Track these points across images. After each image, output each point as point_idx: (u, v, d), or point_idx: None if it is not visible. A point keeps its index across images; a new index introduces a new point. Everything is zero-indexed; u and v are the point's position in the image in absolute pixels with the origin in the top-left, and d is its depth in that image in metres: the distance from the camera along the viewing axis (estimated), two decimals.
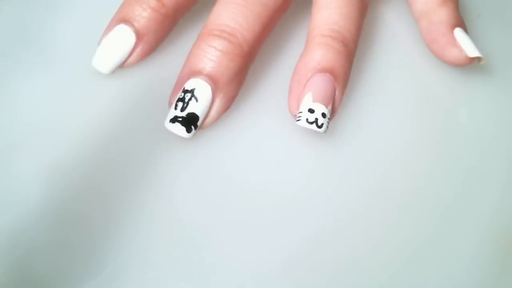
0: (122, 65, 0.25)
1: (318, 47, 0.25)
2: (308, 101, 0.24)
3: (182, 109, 0.23)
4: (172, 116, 0.23)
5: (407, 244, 0.25)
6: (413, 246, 0.25)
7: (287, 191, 0.25)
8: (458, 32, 0.26)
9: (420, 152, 0.27)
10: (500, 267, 0.25)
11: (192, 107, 0.23)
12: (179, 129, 0.23)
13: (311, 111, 0.24)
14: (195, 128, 0.23)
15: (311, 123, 0.24)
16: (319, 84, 0.24)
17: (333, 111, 0.25)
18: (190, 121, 0.23)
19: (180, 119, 0.23)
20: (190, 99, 0.23)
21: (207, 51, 0.23)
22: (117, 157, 0.25)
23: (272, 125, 0.26)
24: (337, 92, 0.25)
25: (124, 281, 0.23)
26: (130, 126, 0.26)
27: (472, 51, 0.26)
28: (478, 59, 0.26)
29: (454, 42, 0.26)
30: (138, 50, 0.25)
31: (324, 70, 0.24)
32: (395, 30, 0.30)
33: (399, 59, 0.29)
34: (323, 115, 0.24)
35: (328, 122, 0.24)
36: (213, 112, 0.24)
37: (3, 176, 0.24)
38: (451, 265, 0.25)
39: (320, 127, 0.24)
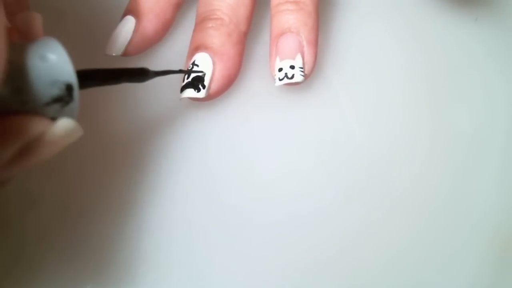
0: (129, 46, 0.26)
1: (275, 16, 0.27)
2: (277, 64, 0.26)
3: (188, 77, 0.26)
4: (181, 86, 0.26)
5: (401, 242, 0.25)
6: (407, 244, 0.25)
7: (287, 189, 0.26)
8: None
9: (416, 152, 0.27)
10: (494, 264, 0.25)
11: (195, 72, 0.26)
12: (188, 92, 0.25)
13: (280, 70, 0.26)
14: (204, 88, 0.25)
15: (282, 79, 0.26)
16: (281, 45, 0.26)
17: (307, 59, 0.26)
18: (196, 82, 0.25)
19: (187, 84, 0.25)
20: (192, 68, 0.26)
21: (200, 32, 0.26)
22: (116, 157, 0.25)
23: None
24: (304, 43, 0.26)
25: (124, 281, 0.23)
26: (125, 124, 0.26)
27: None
28: None
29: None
30: (140, 29, 0.26)
31: (284, 32, 0.26)
32: None
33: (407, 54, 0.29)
34: (292, 67, 0.26)
35: (301, 71, 0.26)
36: (217, 73, 0.26)
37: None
38: (446, 263, 0.25)
39: (291, 78, 0.26)
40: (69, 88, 0.16)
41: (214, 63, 0.26)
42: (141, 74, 0.21)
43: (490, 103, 0.28)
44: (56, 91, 0.16)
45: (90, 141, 0.25)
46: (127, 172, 0.25)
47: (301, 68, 0.26)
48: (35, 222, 0.24)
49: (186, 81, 0.25)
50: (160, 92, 0.27)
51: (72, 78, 0.16)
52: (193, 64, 0.26)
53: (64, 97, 0.16)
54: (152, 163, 0.26)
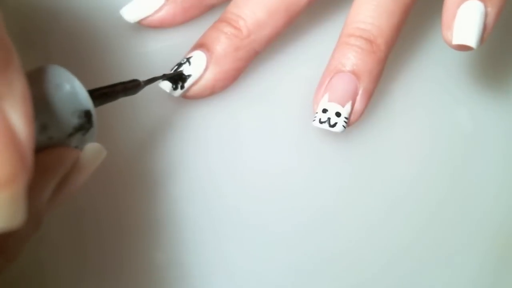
0: (144, 21, 0.26)
1: (341, 47, 0.25)
2: (324, 102, 0.24)
3: (176, 70, 0.25)
4: (165, 75, 0.25)
5: (402, 242, 0.25)
6: (409, 244, 0.25)
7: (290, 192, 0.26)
8: (466, 8, 0.22)
9: (416, 151, 0.27)
10: (496, 265, 0.25)
11: (184, 69, 0.25)
12: (165, 85, 0.25)
13: (324, 111, 0.24)
14: (182, 88, 0.24)
15: (323, 122, 0.24)
16: (336, 84, 0.24)
17: (355, 109, 0.24)
18: (178, 80, 0.24)
19: (170, 76, 0.24)
20: (184, 63, 0.25)
21: (214, 31, 0.25)
22: (112, 158, 0.25)
23: (288, 125, 0.27)
24: (360, 91, 0.24)
25: (125, 281, 0.23)
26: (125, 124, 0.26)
27: (459, 37, 0.22)
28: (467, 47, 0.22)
29: (450, 22, 0.22)
30: (163, 10, 0.26)
31: (344, 70, 0.24)
32: None
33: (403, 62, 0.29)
34: (338, 114, 0.24)
35: (345, 122, 0.24)
36: (203, 80, 0.25)
37: None
38: (447, 263, 0.25)
39: (332, 126, 0.24)
40: (87, 115, 0.16)
41: (206, 69, 0.25)
42: (135, 86, 0.21)
43: (491, 103, 0.28)
44: (76, 121, 0.16)
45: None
46: (125, 172, 0.25)
47: (346, 118, 0.24)
48: None
49: (170, 72, 0.25)
50: (154, 93, 0.27)
51: (89, 104, 0.16)
52: (188, 59, 0.25)
53: (85, 125, 0.16)
54: (150, 163, 0.26)
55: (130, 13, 0.26)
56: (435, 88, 0.28)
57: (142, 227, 0.24)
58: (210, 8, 0.27)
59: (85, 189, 0.24)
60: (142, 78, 0.22)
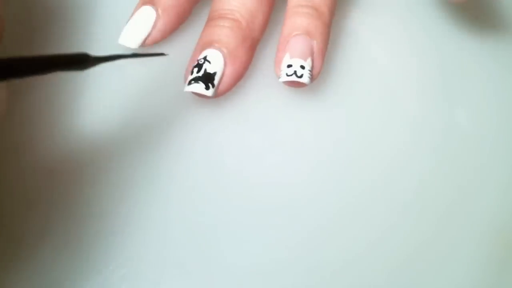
0: (148, 40, 0.27)
1: (291, 16, 0.26)
2: (286, 60, 0.26)
3: (198, 71, 0.25)
4: (190, 79, 0.25)
5: (405, 243, 0.25)
6: (412, 245, 0.25)
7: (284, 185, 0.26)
8: None
9: (420, 151, 0.27)
10: (498, 265, 0.25)
11: (207, 68, 0.25)
12: (198, 87, 0.25)
13: (289, 66, 0.25)
14: (213, 86, 0.25)
15: (290, 75, 0.25)
16: (294, 44, 0.26)
17: (315, 65, 0.26)
18: (207, 79, 0.25)
19: (197, 78, 0.25)
20: (204, 63, 0.25)
21: (215, 28, 0.26)
22: (112, 156, 0.25)
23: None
24: (315, 47, 0.26)
25: (125, 281, 0.23)
26: (128, 122, 0.26)
27: None
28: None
29: None
30: (160, 23, 0.26)
31: (299, 33, 0.26)
32: None
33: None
34: (302, 67, 0.25)
35: (309, 74, 0.25)
36: (226, 75, 0.25)
37: (15, 169, 0.25)
38: (450, 264, 0.25)
39: (300, 77, 0.25)
40: None
41: (225, 64, 0.25)
42: (80, 61, 0.18)
43: (495, 104, 0.28)
44: None
45: (86, 139, 0.26)
46: (125, 171, 0.25)
47: (310, 71, 0.25)
48: (34, 222, 0.24)
49: (195, 75, 0.25)
50: (158, 88, 0.26)
51: None
52: (205, 59, 0.25)
53: None
54: (149, 162, 0.25)
55: (129, 40, 0.26)
56: (434, 88, 0.28)
57: (142, 227, 0.24)
58: (199, 1, 0.28)
59: (83, 189, 0.24)
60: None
